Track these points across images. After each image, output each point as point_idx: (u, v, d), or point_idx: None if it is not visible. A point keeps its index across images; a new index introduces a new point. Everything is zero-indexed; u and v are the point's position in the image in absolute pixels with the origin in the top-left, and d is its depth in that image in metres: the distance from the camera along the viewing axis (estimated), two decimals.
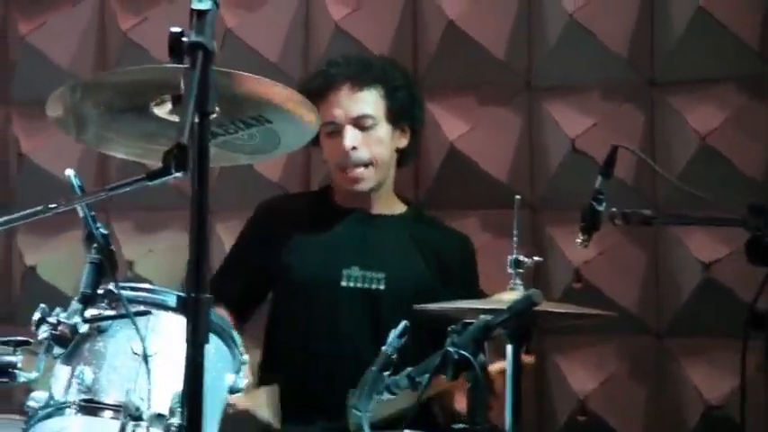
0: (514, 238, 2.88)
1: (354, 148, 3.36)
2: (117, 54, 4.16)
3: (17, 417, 2.64)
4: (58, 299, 2.48)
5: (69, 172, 2.48)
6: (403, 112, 3.45)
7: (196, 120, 2.09)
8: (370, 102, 3.40)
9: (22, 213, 2.35)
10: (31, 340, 2.39)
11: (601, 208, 2.73)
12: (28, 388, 2.46)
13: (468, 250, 3.51)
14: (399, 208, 3.56)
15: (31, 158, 4.21)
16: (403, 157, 3.51)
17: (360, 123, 3.38)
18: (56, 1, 4.23)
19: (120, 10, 4.16)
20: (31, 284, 4.15)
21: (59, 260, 4.10)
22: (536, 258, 2.91)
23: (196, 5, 2.16)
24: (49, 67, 4.18)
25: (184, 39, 2.20)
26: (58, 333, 2.33)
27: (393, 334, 2.57)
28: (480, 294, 3.30)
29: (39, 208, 2.36)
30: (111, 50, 4.19)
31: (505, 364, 2.73)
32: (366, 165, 3.39)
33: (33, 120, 4.18)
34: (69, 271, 4.04)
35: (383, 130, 3.41)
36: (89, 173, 4.03)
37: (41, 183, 4.10)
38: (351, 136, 3.36)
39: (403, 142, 3.48)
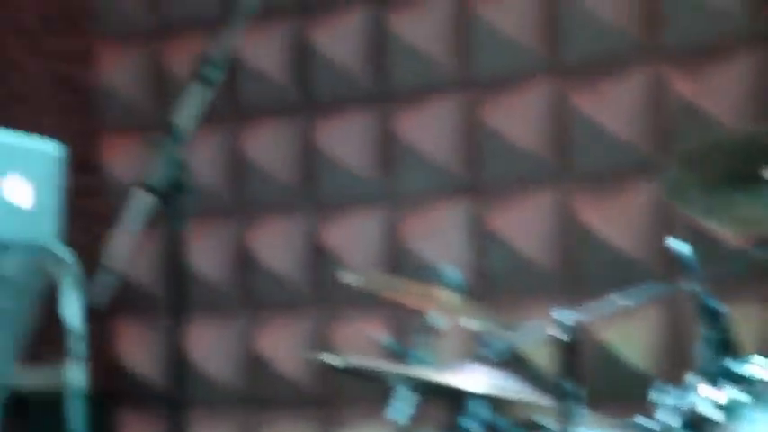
0: None
1: None
2: (673, 120, 4.06)
3: None
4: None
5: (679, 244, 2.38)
6: None
7: None
8: None
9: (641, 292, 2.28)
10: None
11: None
12: None
13: None
14: None
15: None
16: None
17: None
18: (609, 70, 4.21)
19: (677, 74, 4.06)
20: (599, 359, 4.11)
21: (629, 334, 4.04)
22: None
23: None
24: (600, 134, 4.16)
25: None
26: (688, 417, 2.23)
27: None
28: None
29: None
30: (666, 117, 4.09)
31: None
32: None
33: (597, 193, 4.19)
34: (638, 343, 3.98)
35: None
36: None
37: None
38: None
39: None
